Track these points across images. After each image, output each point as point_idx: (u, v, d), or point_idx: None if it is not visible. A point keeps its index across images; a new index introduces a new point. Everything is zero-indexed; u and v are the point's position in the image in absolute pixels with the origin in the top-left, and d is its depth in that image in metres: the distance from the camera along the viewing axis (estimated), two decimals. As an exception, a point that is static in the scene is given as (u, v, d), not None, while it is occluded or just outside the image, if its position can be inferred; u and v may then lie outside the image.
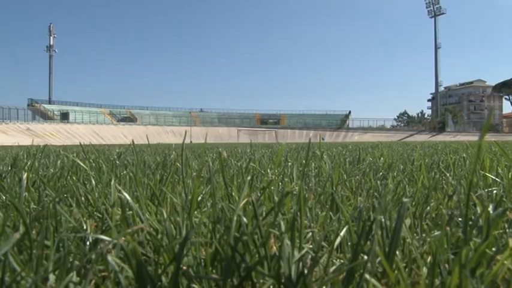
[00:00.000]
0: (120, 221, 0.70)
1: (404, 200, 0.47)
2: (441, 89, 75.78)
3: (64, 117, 52.05)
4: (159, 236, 0.56)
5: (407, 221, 0.70)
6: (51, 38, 64.87)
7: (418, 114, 78.72)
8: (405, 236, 0.62)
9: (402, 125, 74.55)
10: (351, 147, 5.85)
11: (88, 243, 0.64)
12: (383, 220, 0.53)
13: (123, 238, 0.44)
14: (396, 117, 78.05)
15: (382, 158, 2.01)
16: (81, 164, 1.24)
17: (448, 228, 0.53)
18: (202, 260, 0.52)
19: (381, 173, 1.51)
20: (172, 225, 0.57)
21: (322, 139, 49.08)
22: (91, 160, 1.60)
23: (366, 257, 0.50)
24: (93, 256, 0.56)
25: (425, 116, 77.70)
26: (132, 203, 0.61)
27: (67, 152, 3.66)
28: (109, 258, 0.41)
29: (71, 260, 0.57)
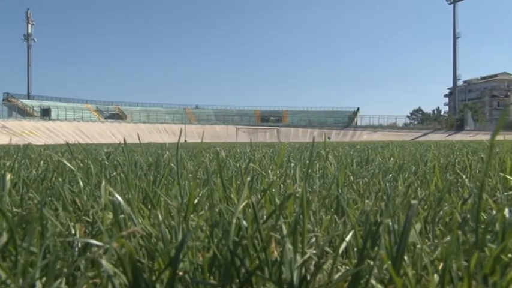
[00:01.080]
0: (112, 225, 0.72)
1: (413, 202, 0.48)
2: (460, 83, 74.63)
3: (45, 113, 50.92)
4: (153, 240, 0.57)
5: (418, 226, 0.72)
6: (29, 25, 63.98)
7: (433, 111, 78.20)
8: (415, 241, 0.64)
9: (416, 122, 74.19)
10: (359, 147, 5.86)
11: (77, 248, 0.65)
12: (390, 224, 0.55)
13: (115, 243, 0.46)
14: (409, 115, 77.66)
15: (392, 159, 2.02)
16: (68, 164, 1.26)
17: (459, 232, 0.55)
18: (199, 265, 0.54)
19: (390, 175, 1.53)
20: (167, 229, 0.59)
21: (328, 138, 49.16)
22: (78, 160, 1.61)
23: (372, 263, 0.52)
24: (83, 261, 0.57)
25: (442, 113, 77.10)
26: (124, 206, 0.62)
27: (50, 151, 3.68)
28: (103, 262, 0.43)
29: (59, 266, 0.59)
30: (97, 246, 0.55)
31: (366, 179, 1.32)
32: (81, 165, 1.44)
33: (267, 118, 71.67)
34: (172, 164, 1.15)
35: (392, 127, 64.28)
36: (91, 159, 2.31)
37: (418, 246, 0.62)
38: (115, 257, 0.54)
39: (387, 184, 1.11)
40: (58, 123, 49.87)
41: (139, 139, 1.94)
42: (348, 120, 67.97)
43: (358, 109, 71.24)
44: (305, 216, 0.56)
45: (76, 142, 2.18)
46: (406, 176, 1.55)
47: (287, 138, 55.63)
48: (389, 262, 0.49)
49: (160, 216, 0.54)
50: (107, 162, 1.91)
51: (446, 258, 0.50)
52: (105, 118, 59.71)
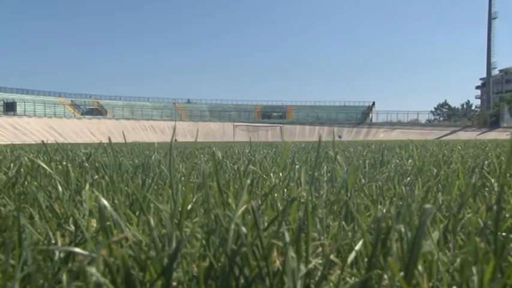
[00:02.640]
0: (97, 233, 0.75)
1: (427, 206, 0.51)
2: (495, 72, 72.39)
3: (9, 108, 48.58)
4: (144, 248, 0.60)
5: (436, 234, 0.75)
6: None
7: (462, 106, 77.00)
8: (432, 251, 0.66)
9: (441, 119, 73.45)
10: (374, 146, 5.90)
11: (57, 259, 0.68)
12: (403, 230, 0.58)
13: (103, 250, 0.49)
14: (434, 110, 76.80)
15: (410, 160, 2.06)
16: (45, 166, 1.29)
17: (478, 240, 0.58)
18: (194, 276, 0.57)
19: (408, 178, 1.56)
20: (159, 236, 0.62)
21: (339, 137, 49.17)
22: (55, 162, 1.65)
23: (382, 273, 0.55)
24: (66, 273, 0.60)
25: (473, 107, 75.87)
26: (111, 211, 0.65)
27: (22, 152, 3.71)
28: (93, 269, 0.46)
29: (41, 279, 0.62)
30: (82, 255, 0.58)
31: (379, 182, 1.35)
32: (60, 167, 1.48)
33: (268, 114, 71.65)
34: (163, 167, 1.18)
35: (414, 124, 63.88)
36: (68, 160, 2.34)
37: (435, 256, 0.65)
38: (102, 267, 0.57)
39: (403, 188, 1.14)
40: (25, 120, 48.16)
41: (124, 138, 1.97)
42: (362, 116, 67.84)
43: (373, 104, 71.04)
44: (309, 221, 0.59)
45: (47, 141, 2.21)
46: (426, 179, 1.58)
47: (292, 136, 55.63)
48: (401, 274, 0.52)
49: (152, 222, 0.57)
50: (87, 164, 1.94)
51: (463, 268, 0.53)
52: (82, 114, 59.24)
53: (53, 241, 0.77)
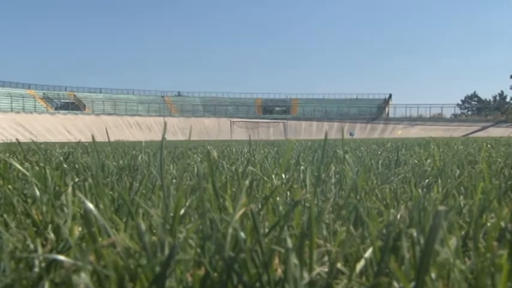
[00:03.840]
0: (81, 240, 0.78)
1: (440, 208, 0.54)
2: None
3: None
4: (133, 255, 0.63)
5: (453, 241, 0.78)
6: None
7: (495, 98, 75.75)
8: (449, 258, 0.69)
9: (470, 113, 72.75)
10: (390, 145, 5.93)
11: (37, 269, 0.71)
12: (415, 235, 0.60)
13: (91, 256, 0.52)
14: (461, 103, 75.86)
15: (429, 160, 2.09)
16: (20, 168, 1.32)
17: (495, 244, 0.61)
18: (189, 285, 0.60)
19: (426, 181, 1.59)
20: (150, 243, 0.64)
21: (350, 134, 49.20)
22: (31, 163, 1.68)
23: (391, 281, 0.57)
24: (47, 282, 0.63)
25: (507, 99, 74.83)
26: (97, 216, 0.68)
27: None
28: (82, 275, 0.49)
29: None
30: (67, 263, 0.61)
31: (394, 185, 1.38)
32: (37, 168, 1.51)
33: (270, 109, 71.65)
34: (152, 169, 1.21)
35: (437, 119, 63.43)
36: (43, 160, 2.37)
37: (452, 262, 0.68)
38: (88, 276, 0.60)
39: (420, 191, 1.17)
40: (-13, 116, 48.12)
41: (107, 136, 2.01)
42: (377, 110, 67.73)
43: (390, 96, 70.86)
44: (313, 225, 0.62)
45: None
46: (447, 181, 1.61)
47: (297, 134, 55.65)
48: (405, 279, 0.55)
49: (142, 226, 0.60)
50: (66, 166, 1.97)
51: (479, 275, 0.56)
52: (56, 108, 58.85)
53: (33, 249, 0.80)
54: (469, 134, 47.50)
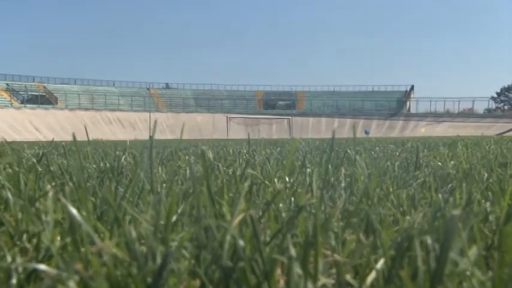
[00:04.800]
0: (62, 249, 0.82)
1: (455, 212, 0.58)
2: None
3: None
4: (124, 263, 0.67)
5: (474, 250, 0.81)
6: None
7: None
8: (467, 269, 0.73)
9: (506, 107, 72.30)
10: (411, 144, 5.97)
11: (15, 280, 0.75)
12: (430, 242, 0.64)
13: (79, 264, 0.55)
14: (496, 96, 75.57)
15: (453, 161, 2.13)
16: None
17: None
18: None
19: (450, 185, 1.63)
20: (140, 251, 0.68)
21: (365, 133, 49.15)
22: (5, 165, 1.72)
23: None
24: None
25: None
26: (82, 222, 0.72)
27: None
28: (70, 284, 0.52)
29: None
30: (50, 273, 0.65)
31: (412, 189, 1.42)
32: (9, 170, 1.55)
33: (273, 103, 71.60)
34: (139, 171, 1.25)
35: (467, 115, 62.92)
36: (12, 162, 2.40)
37: (469, 272, 0.72)
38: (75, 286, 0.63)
39: (440, 196, 1.21)
40: None
41: (87, 134, 2.04)
42: (397, 104, 67.56)
43: (411, 88, 70.58)
44: (318, 230, 0.66)
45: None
46: (474, 185, 1.65)
47: (303, 132, 55.66)
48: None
49: (133, 232, 0.63)
50: (39, 168, 2.01)
51: (497, 286, 0.59)
52: (23, 102, 58.33)
53: (9, 259, 0.84)
54: (505, 132, 47.01)
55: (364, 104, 67.23)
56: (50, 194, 0.84)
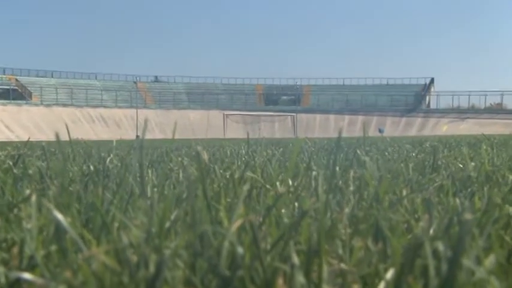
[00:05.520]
0: (47, 258, 0.85)
1: (467, 216, 0.61)
2: None
3: None
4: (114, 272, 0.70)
5: (491, 258, 0.84)
6: None
7: None
8: (484, 278, 0.76)
9: None
10: (429, 144, 6.00)
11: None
12: (441, 249, 0.67)
13: (68, 272, 0.59)
14: None
15: (473, 163, 2.16)
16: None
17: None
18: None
19: (469, 189, 1.66)
20: (131, 259, 0.71)
21: (380, 131, 49.09)
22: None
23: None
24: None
25: None
26: (69, 229, 0.75)
27: None
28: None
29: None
30: (40, 280, 0.68)
31: (429, 194, 1.45)
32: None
33: (275, 98, 71.52)
34: (127, 175, 1.28)
35: (496, 111, 62.41)
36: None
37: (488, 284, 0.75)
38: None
39: (457, 200, 1.24)
40: None
41: (68, 134, 2.07)
42: (415, 99, 67.42)
43: (431, 81, 70.40)
44: (322, 236, 0.69)
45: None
46: (497, 189, 1.68)
47: (309, 130, 55.63)
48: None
49: (124, 238, 0.67)
50: (15, 171, 2.04)
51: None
52: (-9, 97, 58.21)
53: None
54: (539, 130, 46.55)
55: (378, 99, 67.13)
56: (34, 198, 0.88)
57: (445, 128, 55.52)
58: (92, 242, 0.94)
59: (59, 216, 0.75)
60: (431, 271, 0.69)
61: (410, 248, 0.68)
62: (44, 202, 0.95)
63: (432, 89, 68.93)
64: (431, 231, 0.97)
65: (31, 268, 0.83)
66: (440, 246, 0.67)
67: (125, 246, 0.66)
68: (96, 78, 70.63)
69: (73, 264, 0.69)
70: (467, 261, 0.71)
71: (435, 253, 0.72)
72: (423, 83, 70.35)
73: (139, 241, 0.76)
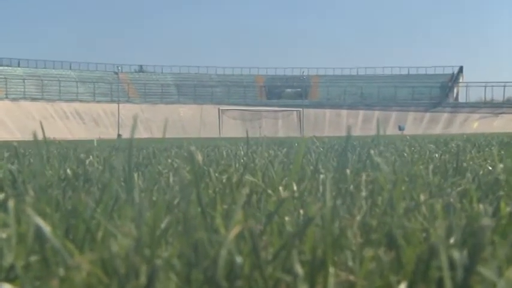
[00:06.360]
0: (26, 268, 0.89)
1: (485, 221, 0.66)
2: None
3: None
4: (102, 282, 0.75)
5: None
6: None
7: None
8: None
9: None
10: (455, 144, 6.03)
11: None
12: (457, 257, 0.72)
13: (54, 280, 0.63)
14: None
15: (501, 164, 2.20)
16: None
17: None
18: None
19: (496, 194, 1.70)
20: (121, 268, 0.76)
21: (400, 129, 48.97)
22: None
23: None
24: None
25: None
26: (51, 237, 0.80)
27: None
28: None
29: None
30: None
31: (451, 199, 1.49)
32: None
33: (278, 91, 71.30)
34: (115, 182, 1.32)
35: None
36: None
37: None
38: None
39: (481, 206, 1.28)
40: None
41: (43, 132, 2.11)
42: (440, 92, 67.12)
43: (460, 70, 69.98)
44: (328, 247, 0.74)
45: None
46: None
47: (318, 128, 55.49)
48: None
49: (113, 246, 0.71)
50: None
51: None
52: None
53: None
54: None
55: (398, 92, 66.80)
56: (11, 203, 0.92)
57: (476, 124, 55.31)
58: (75, 252, 0.98)
59: (41, 223, 0.80)
60: (447, 282, 0.73)
61: (424, 258, 0.72)
62: (23, 208, 0.99)
63: (461, 80, 68.57)
64: (451, 240, 1.01)
65: (13, 280, 0.88)
66: (456, 254, 0.71)
67: (114, 255, 0.70)
68: (70, 68, 70.47)
69: (56, 275, 0.74)
70: (487, 272, 0.76)
71: (451, 263, 0.77)
72: (450, 72, 70.09)
73: (128, 250, 0.80)
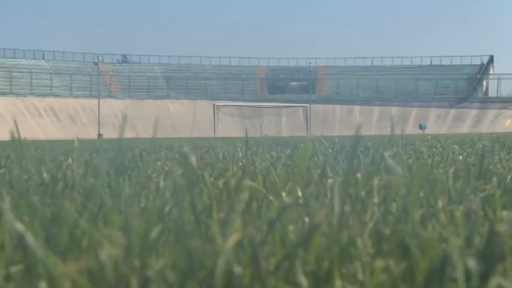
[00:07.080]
0: (6, 280, 0.93)
1: (501, 227, 0.70)
2: None
3: None
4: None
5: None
6: None
7: None
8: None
9: None
10: (483, 145, 6.05)
11: None
12: (473, 267, 0.76)
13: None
14: None
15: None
16: None
17: None
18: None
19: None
20: (110, 277, 0.79)
21: (421, 127, 48.63)
22: None
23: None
24: None
25: None
26: (35, 246, 0.83)
27: None
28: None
29: None
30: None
31: (474, 204, 1.53)
32: None
33: (282, 84, 70.92)
34: (94, 183, 1.36)
35: None
36: None
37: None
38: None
39: (505, 213, 1.32)
40: None
41: (18, 131, 2.15)
42: (467, 85, 66.64)
43: (490, 60, 69.30)
44: (335, 257, 0.78)
45: None
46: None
47: (327, 126, 55.27)
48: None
49: (103, 255, 0.75)
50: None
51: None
52: None
53: None
54: None
55: (419, 85, 66.34)
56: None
57: (508, 122, 55.06)
58: (57, 262, 1.02)
59: (23, 230, 0.84)
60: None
61: (436, 267, 0.76)
62: (7, 213, 1.02)
63: (491, 71, 68.15)
64: (469, 250, 1.05)
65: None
66: (472, 263, 0.75)
67: (102, 264, 0.74)
68: (43, 58, 70.13)
69: (40, 286, 0.78)
70: (506, 283, 0.79)
71: (467, 273, 0.80)
72: (479, 63, 69.61)
73: (116, 259, 0.84)
